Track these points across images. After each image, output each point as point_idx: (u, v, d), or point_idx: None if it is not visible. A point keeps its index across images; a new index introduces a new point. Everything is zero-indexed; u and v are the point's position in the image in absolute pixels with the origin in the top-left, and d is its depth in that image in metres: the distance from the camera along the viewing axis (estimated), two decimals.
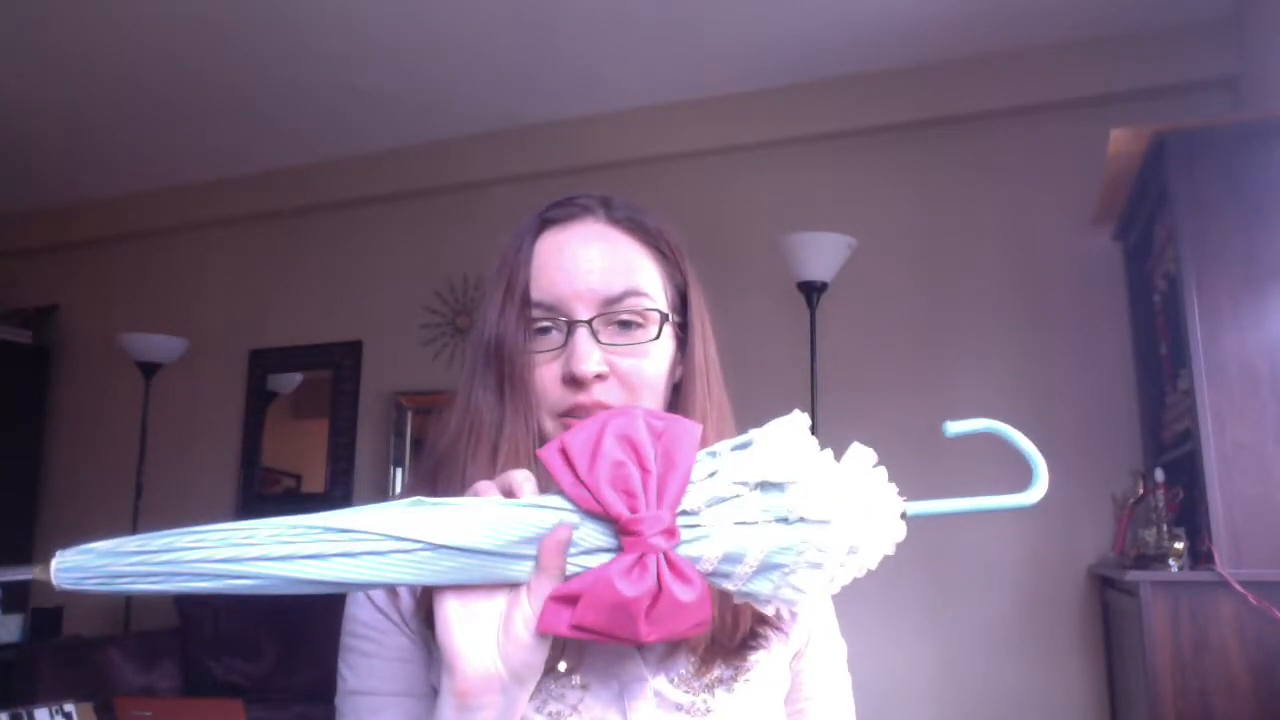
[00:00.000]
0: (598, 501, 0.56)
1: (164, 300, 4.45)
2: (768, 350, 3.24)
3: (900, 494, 0.61)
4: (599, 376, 0.73)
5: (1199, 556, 2.09)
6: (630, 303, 0.76)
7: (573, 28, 3.13)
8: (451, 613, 0.58)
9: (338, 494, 3.98)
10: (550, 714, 0.72)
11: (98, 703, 2.30)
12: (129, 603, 3.92)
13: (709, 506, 0.57)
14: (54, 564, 0.54)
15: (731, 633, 0.75)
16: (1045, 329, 3.07)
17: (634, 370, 0.75)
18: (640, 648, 0.75)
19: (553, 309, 0.75)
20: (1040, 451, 0.63)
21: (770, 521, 0.56)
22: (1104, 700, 2.82)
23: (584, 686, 0.73)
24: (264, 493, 4.17)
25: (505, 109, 3.70)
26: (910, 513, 0.60)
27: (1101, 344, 2.98)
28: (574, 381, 0.73)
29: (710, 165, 3.61)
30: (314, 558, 0.55)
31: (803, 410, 0.59)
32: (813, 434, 0.57)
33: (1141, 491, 2.51)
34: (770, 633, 0.77)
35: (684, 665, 0.75)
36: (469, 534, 0.57)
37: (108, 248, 4.68)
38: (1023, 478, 0.64)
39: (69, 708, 1.92)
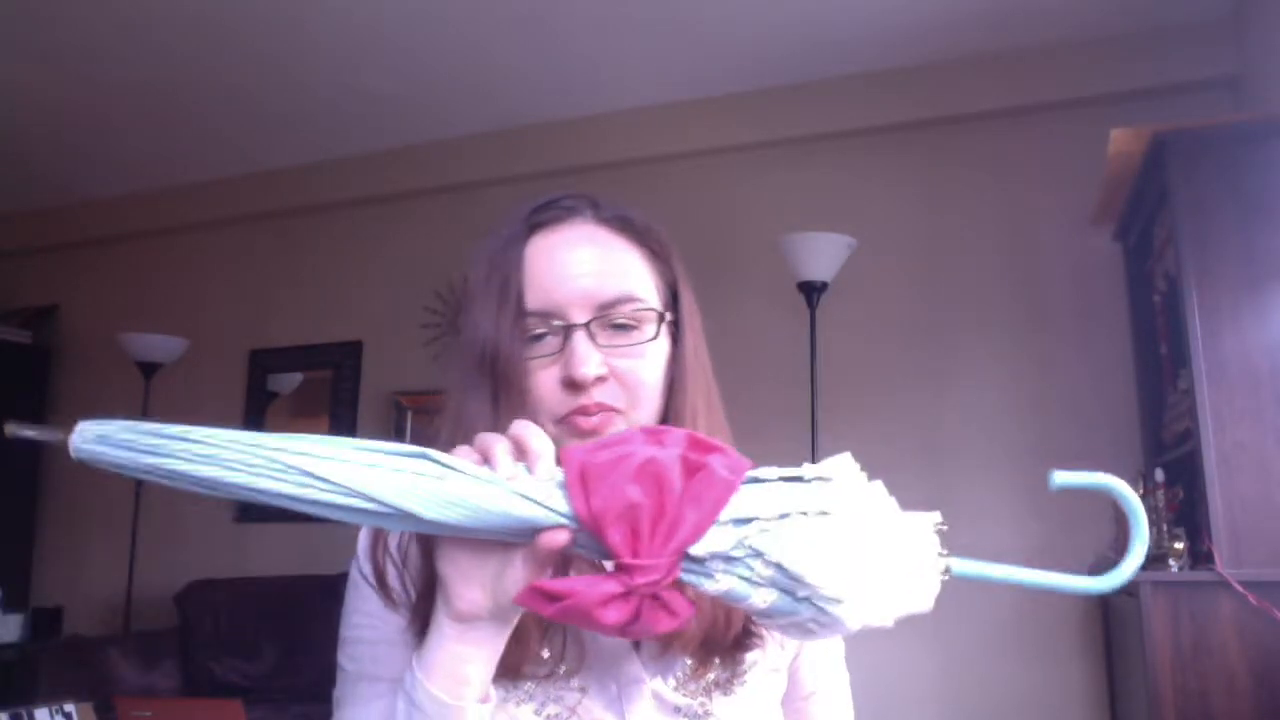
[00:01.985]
0: (600, 536, 0.55)
1: (164, 300, 4.45)
2: (768, 350, 3.24)
3: (943, 551, 0.57)
4: (599, 379, 0.73)
5: (1199, 556, 2.09)
6: (625, 306, 0.76)
7: (573, 28, 3.13)
8: (452, 548, 0.62)
9: None
10: (549, 716, 0.72)
11: (98, 703, 2.30)
12: (129, 603, 3.91)
13: (716, 561, 0.55)
14: (75, 435, 0.60)
15: (724, 631, 0.74)
16: (1045, 329, 3.07)
17: (632, 371, 0.75)
18: (637, 647, 0.75)
19: (548, 314, 0.75)
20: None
21: (778, 592, 0.55)
22: (1104, 700, 2.81)
23: (582, 689, 0.73)
24: None
25: (505, 109, 3.70)
26: (955, 572, 0.58)
27: (1101, 344, 2.98)
28: (573, 385, 0.73)
29: (710, 165, 3.61)
30: (291, 498, 0.57)
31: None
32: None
33: (1141, 491, 2.51)
34: (764, 631, 0.77)
35: (681, 667, 0.75)
36: (454, 511, 0.56)
37: (108, 248, 4.68)
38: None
39: (69, 708, 1.92)
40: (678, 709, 0.74)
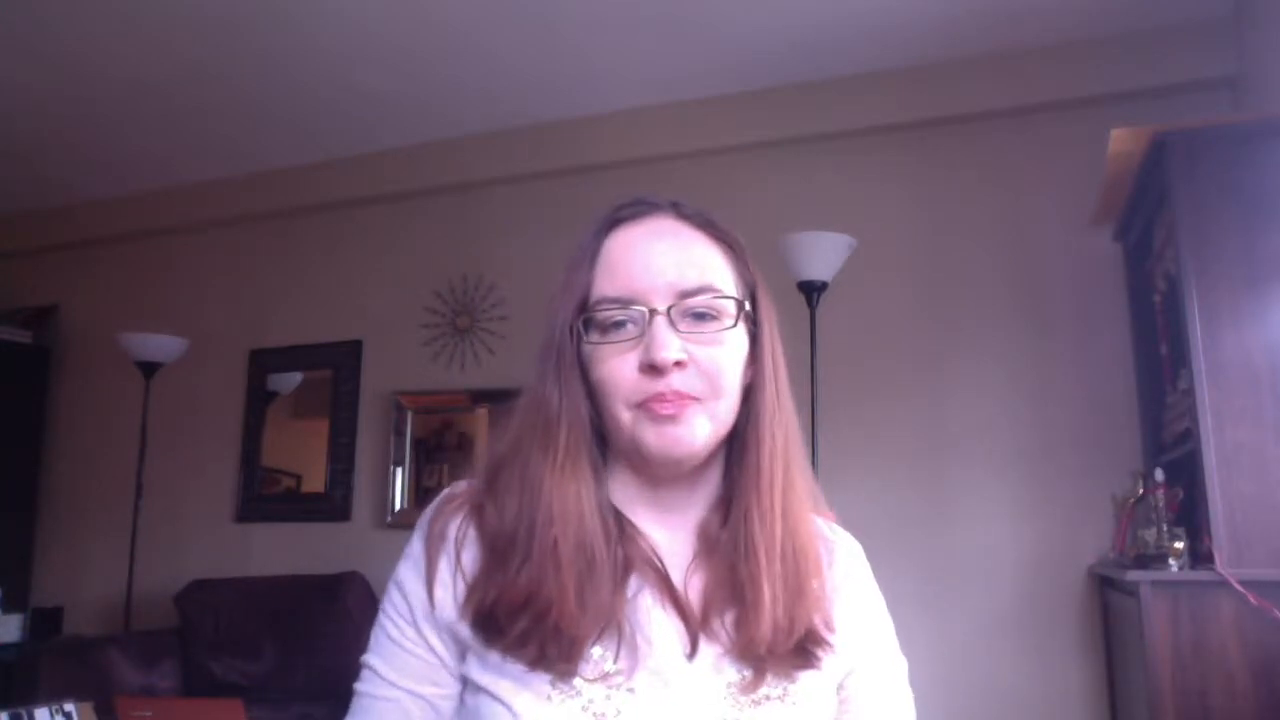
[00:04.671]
0: None
1: (164, 300, 4.45)
2: None
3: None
4: (678, 364, 0.73)
5: (1199, 556, 2.09)
6: (705, 295, 0.76)
7: (573, 27, 3.13)
8: None
9: (338, 494, 3.98)
10: (596, 715, 0.70)
11: (98, 703, 2.29)
12: (129, 603, 3.91)
13: None
14: None
15: (787, 635, 0.74)
16: (1045, 329, 3.07)
17: (711, 359, 0.75)
18: (692, 656, 0.74)
19: (628, 301, 0.75)
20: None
21: None
22: (1104, 700, 2.81)
23: (631, 691, 0.72)
24: (264, 493, 4.17)
25: (505, 109, 3.70)
26: None
27: (1101, 344, 2.98)
28: (653, 369, 0.73)
29: (710, 165, 3.60)
30: None
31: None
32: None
33: (1141, 491, 2.51)
34: (821, 654, 0.77)
35: (736, 677, 0.74)
36: None
37: (108, 248, 4.68)
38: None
39: (69, 708, 1.91)
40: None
